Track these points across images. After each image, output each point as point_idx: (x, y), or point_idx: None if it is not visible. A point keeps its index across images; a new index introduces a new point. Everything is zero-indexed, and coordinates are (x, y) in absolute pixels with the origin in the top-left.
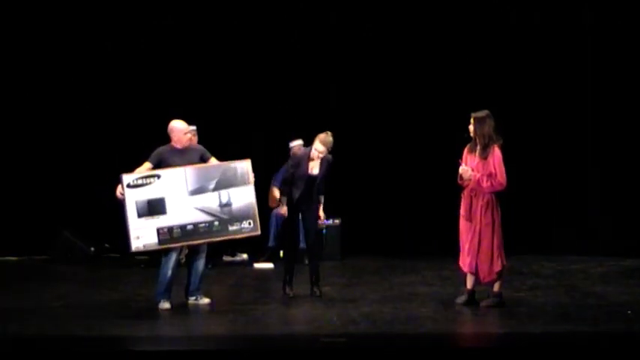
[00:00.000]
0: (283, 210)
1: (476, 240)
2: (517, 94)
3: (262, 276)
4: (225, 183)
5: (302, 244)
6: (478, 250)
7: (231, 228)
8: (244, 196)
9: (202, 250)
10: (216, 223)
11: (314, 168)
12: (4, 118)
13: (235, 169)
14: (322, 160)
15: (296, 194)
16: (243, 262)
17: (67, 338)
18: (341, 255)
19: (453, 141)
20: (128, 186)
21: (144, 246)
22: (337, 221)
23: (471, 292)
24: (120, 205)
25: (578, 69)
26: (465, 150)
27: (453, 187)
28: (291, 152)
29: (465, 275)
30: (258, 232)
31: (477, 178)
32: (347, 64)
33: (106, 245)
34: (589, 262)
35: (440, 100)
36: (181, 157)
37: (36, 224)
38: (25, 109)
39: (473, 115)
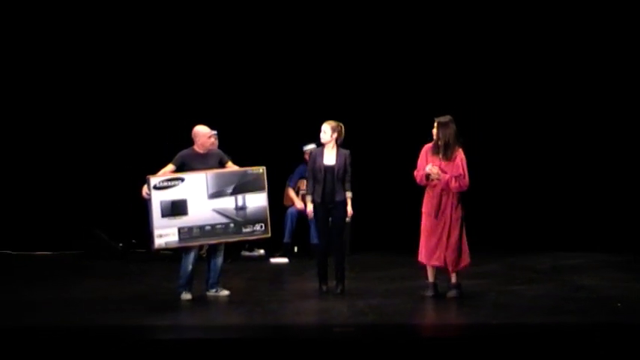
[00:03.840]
0: (308, 208)
1: (445, 234)
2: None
3: (278, 270)
4: (241, 188)
5: (315, 240)
6: (447, 243)
7: (244, 230)
8: (258, 201)
9: (221, 247)
10: (232, 225)
11: (329, 159)
12: (43, 121)
13: (251, 175)
14: (338, 152)
15: (319, 190)
16: (260, 257)
17: (94, 328)
18: (350, 250)
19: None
20: (154, 187)
21: (165, 243)
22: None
23: (435, 284)
24: (145, 205)
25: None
26: (426, 152)
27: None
28: (306, 154)
29: (424, 269)
30: (269, 235)
31: (446, 178)
32: (357, 67)
33: (133, 241)
34: (581, 257)
35: (449, 101)
36: (202, 161)
37: (68, 222)
38: (62, 114)
39: (437, 120)
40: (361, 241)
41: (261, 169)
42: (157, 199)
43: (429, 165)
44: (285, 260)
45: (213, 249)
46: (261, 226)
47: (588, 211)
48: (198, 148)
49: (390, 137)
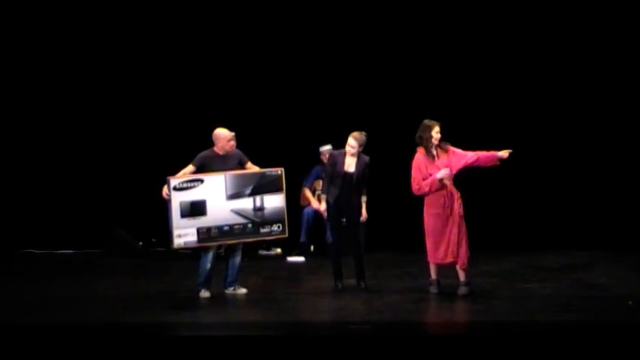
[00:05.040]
0: (322, 207)
1: (455, 232)
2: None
3: (294, 269)
4: (260, 189)
5: (329, 239)
6: (457, 240)
7: (262, 230)
8: (276, 202)
9: (239, 246)
10: (250, 225)
11: (350, 166)
12: (66, 121)
13: (270, 176)
14: (359, 159)
15: (335, 192)
16: (276, 255)
17: (116, 325)
18: (365, 249)
19: (472, 141)
20: (174, 189)
21: (184, 243)
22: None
23: (438, 280)
24: (165, 205)
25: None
26: (420, 160)
27: (472, 184)
28: (322, 155)
29: (428, 267)
30: (286, 235)
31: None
32: (370, 69)
33: (153, 240)
34: (593, 255)
35: (455, 101)
36: (222, 162)
37: (90, 221)
38: (86, 114)
39: (435, 123)
40: (373, 240)
41: (280, 171)
42: (177, 199)
43: (443, 170)
44: (301, 259)
45: (231, 248)
46: (279, 227)
47: (600, 208)
48: (218, 150)
49: (395, 138)
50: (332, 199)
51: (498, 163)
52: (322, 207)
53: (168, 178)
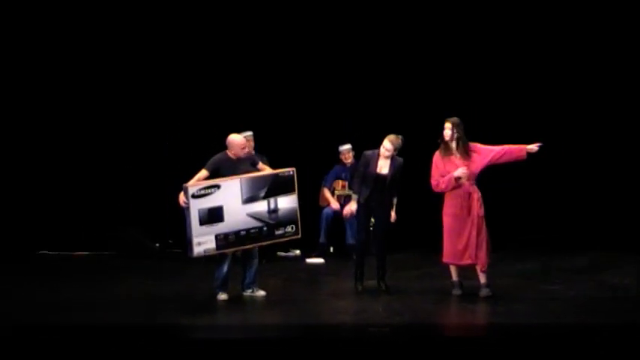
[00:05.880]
0: (352, 207)
1: (475, 233)
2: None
3: (313, 270)
4: (273, 191)
5: (350, 241)
6: (477, 241)
7: (277, 232)
8: (289, 203)
9: (255, 249)
10: (265, 228)
11: (383, 168)
12: (80, 122)
13: (282, 177)
14: (392, 161)
15: (366, 192)
16: (295, 257)
17: (133, 327)
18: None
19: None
20: (193, 196)
21: (204, 251)
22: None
23: (460, 282)
24: (182, 212)
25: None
26: (438, 158)
27: (495, 181)
28: (341, 155)
29: (449, 268)
30: (299, 236)
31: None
32: (392, 64)
33: (170, 241)
34: (618, 257)
35: (474, 99)
36: (236, 166)
37: (105, 222)
38: (98, 115)
39: (450, 120)
40: (393, 241)
41: (292, 171)
42: (195, 207)
43: (460, 168)
44: (320, 260)
45: (248, 250)
46: (292, 227)
47: (626, 208)
48: (231, 154)
49: (417, 135)
50: (363, 199)
51: (526, 157)
52: (352, 207)
53: (185, 185)
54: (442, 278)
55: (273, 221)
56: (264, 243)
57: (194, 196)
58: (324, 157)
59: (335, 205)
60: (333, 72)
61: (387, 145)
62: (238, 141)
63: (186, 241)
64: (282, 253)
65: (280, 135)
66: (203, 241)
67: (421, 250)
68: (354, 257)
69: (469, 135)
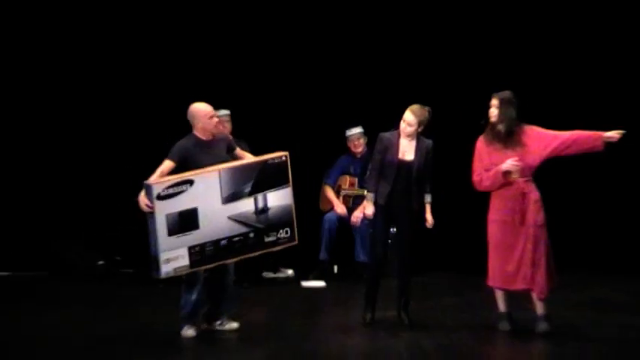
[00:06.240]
0: (369, 211)
1: (530, 247)
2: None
3: (312, 297)
4: (261, 184)
5: (362, 257)
6: (533, 258)
7: (267, 239)
8: (282, 199)
9: (231, 265)
10: (252, 235)
11: (407, 152)
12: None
13: (272, 165)
14: (419, 144)
15: (385, 189)
16: (287, 279)
17: None
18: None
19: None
20: (159, 197)
21: (174, 270)
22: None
23: (510, 314)
24: (144, 219)
25: None
26: (482, 146)
27: (558, 181)
28: (349, 142)
29: (493, 295)
30: (296, 242)
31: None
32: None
33: (117, 258)
34: None
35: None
36: (209, 150)
37: (30, 235)
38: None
39: (497, 96)
40: (421, 258)
41: (284, 156)
42: (162, 212)
43: (510, 160)
44: (321, 284)
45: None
46: (287, 232)
47: None
48: (199, 133)
49: (450, 118)
50: (382, 200)
51: (602, 148)
52: (367, 211)
53: (147, 182)
54: (486, 308)
55: (262, 224)
56: (251, 254)
57: (160, 197)
58: (326, 144)
59: (341, 209)
60: (338, 28)
61: (409, 118)
62: (204, 109)
63: (151, 258)
64: (270, 274)
65: (266, 115)
66: (173, 256)
67: (457, 270)
68: (366, 278)
69: (525, 116)
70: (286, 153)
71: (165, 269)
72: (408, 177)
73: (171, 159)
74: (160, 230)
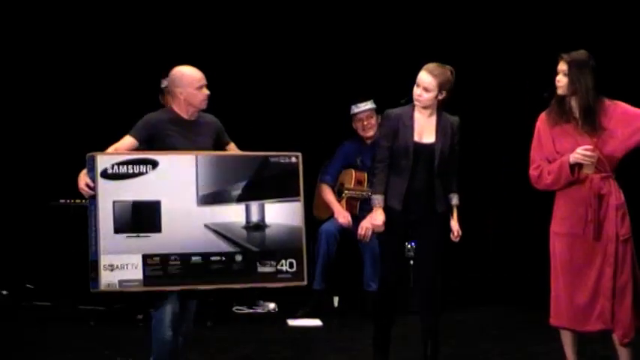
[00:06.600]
0: (378, 220)
1: (610, 270)
2: None
3: (302, 340)
4: (258, 189)
5: (373, 286)
6: (613, 287)
7: (260, 269)
8: (286, 216)
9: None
10: (238, 257)
11: (425, 133)
12: None
13: (278, 165)
14: (441, 121)
15: (400, 186)
16: (268, 314)
17: None
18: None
19: None
20: (104, 175)
21: (119, 283)
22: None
23: None
24: (83, 205)
25: None
26: (544, 127)
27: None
28: (356, 122)
29: (559, 336)
30: (304, 282)
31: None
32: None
33: (28, 286)
34: None
35: None
36: (188, 134)
37: None
38: None
39: (566, 56)
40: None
41: (294, 156)
42: (108, 197)
43: (581, 148)
44: (315, 322)
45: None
46: (291, 264)
47: None
48: (179, 108)
49: (488, 100)
50: (397, 203)
51: None
52: (379, 220)
53: (91, 154)
54: (547, 356)
55: (255, 246)
56: (236, 286)
57: (107, 176)
58: (324, 125)
59: (343, 217)
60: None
61: (426, 79)
62: (190, 73)
63: (90, 263)
64: (243, 308)
65: (251, 97)
66: (120, 263)
67: (505, 302)
68: (375, 314)
69: (606, 88)
70: (298, 154)
71: (106, 279)
72: (429, 167)
73: (134, 135)
74: (102, 221)
